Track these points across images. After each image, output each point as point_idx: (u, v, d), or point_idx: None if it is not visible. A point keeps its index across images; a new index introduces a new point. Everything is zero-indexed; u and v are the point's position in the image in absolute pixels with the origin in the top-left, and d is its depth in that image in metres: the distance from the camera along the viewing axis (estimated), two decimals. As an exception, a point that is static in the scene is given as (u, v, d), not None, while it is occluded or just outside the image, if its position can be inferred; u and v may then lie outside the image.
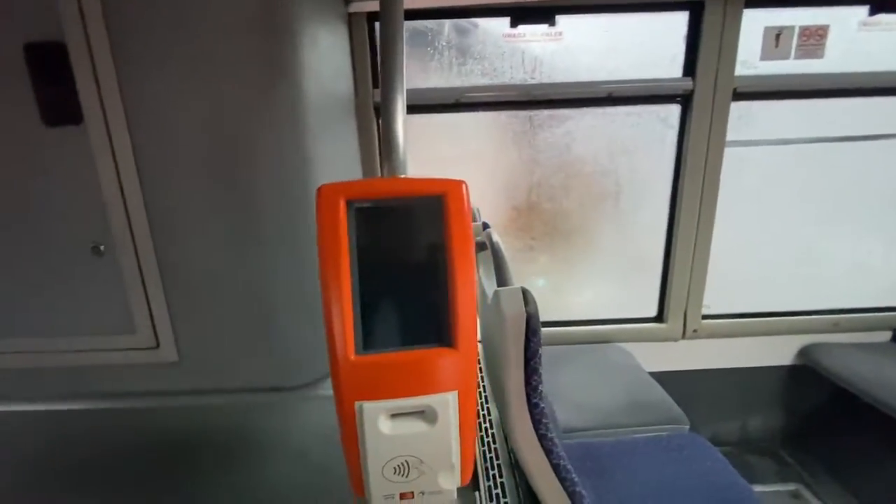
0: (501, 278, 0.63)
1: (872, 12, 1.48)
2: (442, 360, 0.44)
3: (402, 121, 0.53)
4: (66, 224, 0.75)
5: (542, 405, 0.58)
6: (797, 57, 1.51)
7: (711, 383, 1.73)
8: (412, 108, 1.47)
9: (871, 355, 1.57)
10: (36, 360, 0.77)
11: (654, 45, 1.48)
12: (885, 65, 1.50)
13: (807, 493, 1.60)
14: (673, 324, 1.66)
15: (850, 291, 1.72)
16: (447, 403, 0.44)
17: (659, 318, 1.70)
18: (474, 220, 1.09)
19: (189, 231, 0.76)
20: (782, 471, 1.71)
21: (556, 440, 0.60)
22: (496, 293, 0.56)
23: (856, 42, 1.50)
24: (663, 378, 1.65)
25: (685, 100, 1.48)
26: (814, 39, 1.48)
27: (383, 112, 0.54)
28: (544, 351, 1.71)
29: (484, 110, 1.51)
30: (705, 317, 1.67)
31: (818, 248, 1.69)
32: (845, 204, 1.66)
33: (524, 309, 0.54)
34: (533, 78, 1.47)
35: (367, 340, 0.44)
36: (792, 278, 1.71)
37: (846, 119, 1.59)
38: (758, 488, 1.67)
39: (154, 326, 0.78)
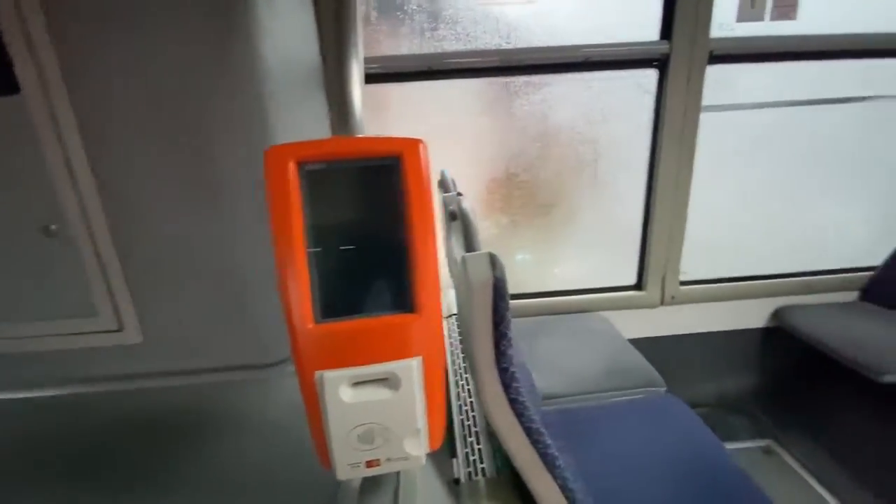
0: (469, 244, 0.62)
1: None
2: (404, 326, 0.42)
3: (356, 82, 0.50)
4: (12, 204, 0.70)
5: (513, 369, 0.57)
6: (773, 18, 1.50)
7: (690, 347, 1.77)
8: (383, 77, 1.42)
9: (840, 315, 1.62)
10: None
11: (634, 7, 1.45)
12: (855, 27, 1.50)
13: (778, 449, 1.67)
14: (652, 291, 1.68)
15: (821, 254, 1.76)
16: (410, 369, 0.43)
17: (638, 285, 1.71)
18: (448, 190, 1.07)
19: (147, 205, 0.73)
20: (756, 428, 1.77)
21: (528, 404, 0.60)
22: (463, 259, 0.55)
23: (828, 4, 1.48)
24: (644, 344, 1.68)
25: (662, 64, 1.46)
26: (789, 0, 1.47)
27: (335, 73, 0.51)
28: (527, 322, 1.71)
29: (458, 77, 1.47)
30: (683, 283, 1.69)
31: (791, 211, 1.72)
32: (816, 167, 1.68)
33: (491, 273, 0.53)
34: (508, 43, 1.43)
35: (326, 309, 0.42)
36: (766, 242, 1.74)
37: (820, 82, 1.59)
38: (733, 445, 1.73)
39: (116, 308, 0.75)
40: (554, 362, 1.35)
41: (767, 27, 1.47)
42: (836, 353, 1.44)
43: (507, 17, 1.40)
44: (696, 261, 1.69)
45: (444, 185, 1.15)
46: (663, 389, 1.23)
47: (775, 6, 1.49)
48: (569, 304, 1.70)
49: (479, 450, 0.75)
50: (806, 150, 1.65)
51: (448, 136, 1.54)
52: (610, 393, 1.21)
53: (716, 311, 1.73)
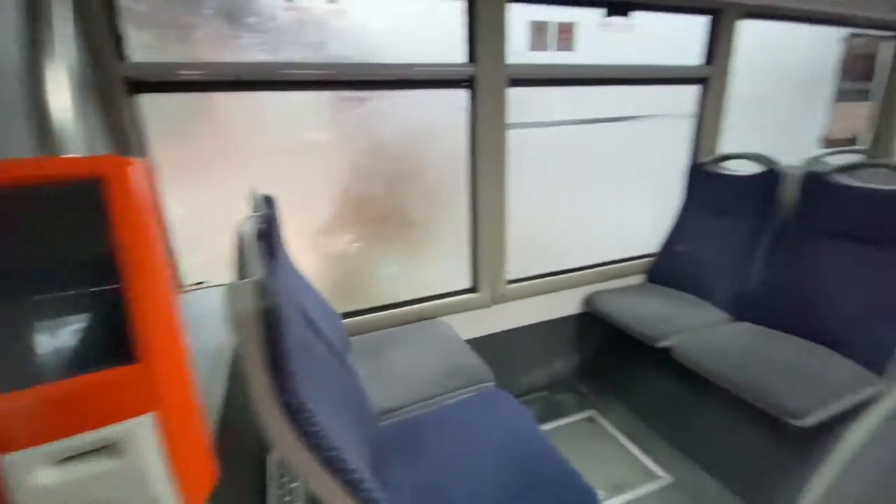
0: (241, 272, 0.57)
1: (609, 14, 1.78)
2: (122, 380, 0.36)
3: (59, 92, 0.42)
4: None
5: (299, 401, 0.54)
6: (558, 49, 1.74)
7: (521, 339, 1.96)
8: (206, 85, 1.28)
9: (631, 296, 1.95)
10: None
11: (443, 30, 1.55)
12: (620, 59, 1.84)
13: (599, 417, 1.93)
14: (484, 292, 1.81)
15: (615, 245, 2.10)
16: (139, 429, 0.37)
17: (473, 288, 1.83)
18: (259, 209, 0.99)
19: None
20: (581, 402, 2.03)
21: (325, 433, 0.57)
22: (227, 289, 0.50)
23: (598, 39, 1.79)
24: (481, 342, 1.80)
25: (471, 84, 1.59)
26: (567, 34, 1.73)
27: (31, 78, 0.42)
28: (372, 337, 1.66)
29: (269, 90, 1.39)
30: (510, 282, 1.86)
31: (590, 211, 2.03)
32: (607, 174, 2.01)
33: (258, 303, 0.49)
34: (325, 56, 1.40)
35: (8, 375, 0.34)
36: (573, 239, 2.01)
37: (603, 103, 1.91)
38: (563, 420, 1.96)
39: None
40: (395, 374, 1.36)
41: (552, 56, 1.71)
42: (627, 328, 1.72)
43: (319, 30, 1.37)
44: (519, 260, 1.88)
45: (255, 206, 1.06)
46: (492, 384, 1.32)
47: (559, 39, 1.74)
48: (414, 313, 1.73)
49: (292, 489, 0.70)
50: (597, 160, 1.97)
51: (283, 152, 1.45)
52: (444, 396, 1.25)
53: (539, 304, 1.94)
